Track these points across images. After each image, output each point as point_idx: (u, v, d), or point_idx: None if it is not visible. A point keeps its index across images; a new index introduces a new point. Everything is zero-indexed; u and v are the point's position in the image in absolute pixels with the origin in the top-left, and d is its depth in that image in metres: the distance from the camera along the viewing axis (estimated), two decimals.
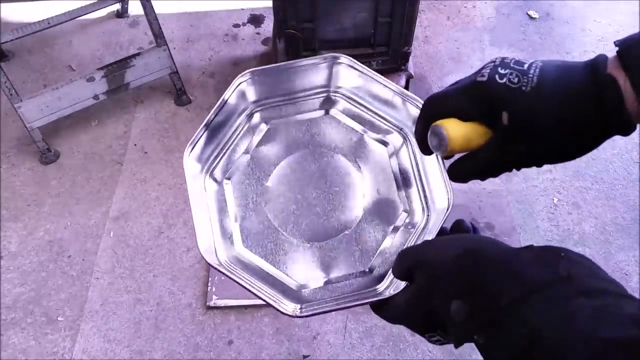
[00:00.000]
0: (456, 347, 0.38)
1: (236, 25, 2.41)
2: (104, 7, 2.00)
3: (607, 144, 2.00)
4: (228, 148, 0.64)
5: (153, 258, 1.68)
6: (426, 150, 0.51)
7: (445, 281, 0.39)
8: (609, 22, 2.38)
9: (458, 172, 0.49)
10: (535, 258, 0.36)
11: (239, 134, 0.65)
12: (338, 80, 0.65)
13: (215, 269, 0.52)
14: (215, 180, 0.62)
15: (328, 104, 0.67)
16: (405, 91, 0.61)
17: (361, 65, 0.62)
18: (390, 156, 0.64)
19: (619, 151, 1.94)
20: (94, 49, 2.32)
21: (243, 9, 2.47)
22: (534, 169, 1.87)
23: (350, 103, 0.66)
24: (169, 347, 1.51)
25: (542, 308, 0.33)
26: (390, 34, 1.75)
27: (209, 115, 0.59)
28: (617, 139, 2.02)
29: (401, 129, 0.64)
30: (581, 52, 2.25)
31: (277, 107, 0.66)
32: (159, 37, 1.86)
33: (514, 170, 0.48)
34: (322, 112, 0.67)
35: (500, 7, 2.47)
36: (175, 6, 2.45)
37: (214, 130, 0.61)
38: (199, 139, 0.59)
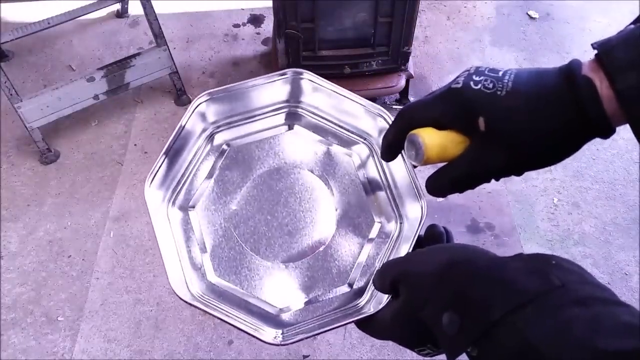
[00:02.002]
0: None
1: (236, 25, 2.41)
2: (104, 7, 2.00)
3: (607, 144, 1.98)
4: (190, 174, 0.61)
5: (153, 258, 1.68)
6: (389, 156, 0.50)
7: (434, 293, 0.39)
8: (609, 22, 2.38)
9: (436, 186, 0.48)
10: (526, 267, 0.36)
11: (200, 158, 0.62)
12: (299, 95, 0.63)
13: (190, 304, 0.50)
14: (179, 208, 0.60)
15: (291, 119, 0.64)
16: (369, 102, 0.59)
17: (323, 79, 0.61)
18: (358, 167, 0.63)
19: (619, 151, 1.94)
20: (94, 49, 2.32)
21: (243, 9, 2.47)
22: None
23: (313, 117, 0.64)
24: (169, 347, 1.51)
25: (536, 319, 0.33)
26: (390, 34, 1.75)
27: (168, 142, 0.56)
28: (618, 138, 2.02)
29: (366, 140, 0.63)
30: (581, 52, 2.25)
31: (238, 127, 0.63)
32: (159, 37, 1.86)
33: (493, 180, 0.47)
34: (285, 127, 0.65)
35: (500, 7, 2.47)
36: (175, 6, 2.45)
37: (175, 156, 0.58)
38: (159, 167, 0.56)
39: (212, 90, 0.59)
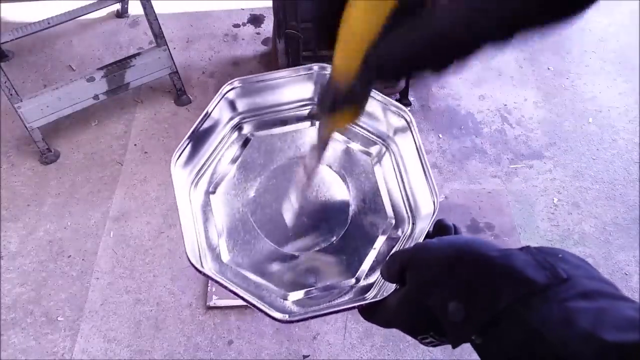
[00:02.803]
0: (454, 347, 0.38)
1: (236, 25, 2.41)
2: (104, 7, 2.00)
3: (607, 144, 1.97)
4: (214, 159, 0.64)
5: (153, 258, 1.68)
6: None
7: (441, 282, 0.39)
8: (609, 22, 2.38)
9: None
10: (533, 259, 0.36)
11: (224, 145, 0.65)
12: None
13: (204, 274, 0.51)
14: (201, 191, 0.62)
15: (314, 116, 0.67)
16: (390, 100, 0.61)
17: None
18: (374, 165, 0.65)
19: (619, 151, 1.94)
20: (94, 49, 2.32)
21: (243, 9, 2.47)
22: (534, 169, 1.88)
23: None
24: (169, 347, 1.50)
25: (542, 309, 0.33)
26: None
27: (195, 125, 0.58)
28: (618, 139, 2.02)
29: (383, 140, 0.65)
30: (581, 52, 2.25)
31: (263, 119, 0.67)
32: (159, 37, 1.86)
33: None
34: (308, 123, 0.68)
35: None
36: (175, 6, 2.45)
37: (199, 141, 0.61)
38: (184, 148, 0.58)
39: (241, 77, 0.61)
